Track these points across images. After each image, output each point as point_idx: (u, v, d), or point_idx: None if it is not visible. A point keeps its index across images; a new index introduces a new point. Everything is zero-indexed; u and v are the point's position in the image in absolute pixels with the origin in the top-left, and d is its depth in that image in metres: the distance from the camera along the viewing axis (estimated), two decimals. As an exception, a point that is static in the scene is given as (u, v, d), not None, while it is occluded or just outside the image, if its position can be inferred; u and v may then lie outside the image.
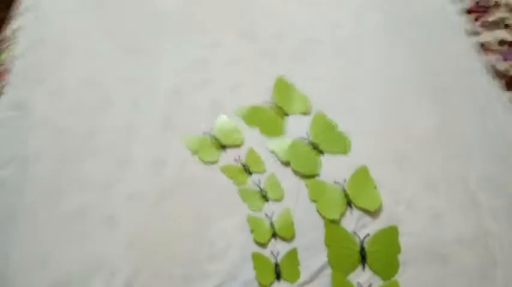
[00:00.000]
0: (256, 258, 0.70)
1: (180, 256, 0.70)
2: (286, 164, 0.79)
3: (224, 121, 0.84)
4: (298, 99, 0.87)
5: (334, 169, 0.78)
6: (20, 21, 0.98)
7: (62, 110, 0.84)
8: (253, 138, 0.82)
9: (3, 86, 0.87)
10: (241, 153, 0.81)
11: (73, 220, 0.72)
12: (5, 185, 0.75)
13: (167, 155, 0.79)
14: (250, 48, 0.93)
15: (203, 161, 0.79)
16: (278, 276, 0.69)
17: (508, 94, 0.88)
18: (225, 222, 0.73)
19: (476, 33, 0.96)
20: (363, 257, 0.71)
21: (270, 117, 0.85)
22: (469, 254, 0.71)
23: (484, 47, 0.93)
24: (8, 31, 0.96)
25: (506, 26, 0.96)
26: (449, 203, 0.75)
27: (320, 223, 0.73)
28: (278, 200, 0.76)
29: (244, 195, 0.76)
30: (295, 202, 0.75)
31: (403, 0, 1.02)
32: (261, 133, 0.83)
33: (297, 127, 0.83)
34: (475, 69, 0.90)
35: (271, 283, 0.69)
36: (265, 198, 0.76)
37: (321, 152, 0.81)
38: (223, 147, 0.81)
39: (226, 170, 0.78)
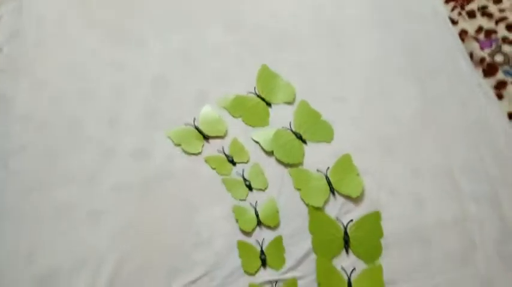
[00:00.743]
0: (242, 246, 0.71)
1: (166, 246, 0.70)
2: (270, 153, 0.80)
3: (208, 112, 0.84)
4: (283, 89, 0.87)
5: (317, 158, 0.79)
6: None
7: (44, 102, 0.82)
8: (236, 128, 0.82)
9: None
10: (225, 144, 0.81)
11: (58, 213, 0.72)
12: (-14, 181, 0.74)
13: (151, 146, 0.79)
14: (234, 38, 0.92)
15: (187, 152, 0.79)
16: (263, 263, 0.70)
17: (488, 82, 0.89)
18: (210, 212, 0.74)
19: (456, 22, 0.97)
20: (346, 243, 0.72)
21: (253, 107, 0.85)
22: (451, 238, 0.73)
23: (463, 35, 0.95)
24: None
25: (485, 15, 0.97)
26: (431, 188, 0.77)
27: (304, 211, 0.74)
28: (262, 189, 0.76)
29: (229, 185, 0.77)
30: (279, 190, 0.76)
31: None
32: (245, 123, 0.83)
33: (281, 117, 0.84)
34: (457, 57, 0.91)
35: (257, 271, 0.70)
36: (249, 187, 0.76)
37: (304, 141, 0.81)
38: (206, 138, 0.81)
39: (210, 161, 0.79)
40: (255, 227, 0.73)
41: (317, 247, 0.71)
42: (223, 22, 0.95)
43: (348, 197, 0.75)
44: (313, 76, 0.89)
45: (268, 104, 0.86)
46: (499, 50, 0.93)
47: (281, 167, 0.79)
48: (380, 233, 0.72)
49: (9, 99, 0.83)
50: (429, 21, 0.96)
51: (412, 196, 0.76)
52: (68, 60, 0.88)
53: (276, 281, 0.69)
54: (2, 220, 0.71)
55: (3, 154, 0.77)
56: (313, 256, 0.71)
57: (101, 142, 0.79)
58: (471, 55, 0.92)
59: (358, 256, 0.71)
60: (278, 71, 0.88)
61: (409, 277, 0.69)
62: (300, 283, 0.69)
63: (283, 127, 0.82)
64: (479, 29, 0.95)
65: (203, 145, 0.81)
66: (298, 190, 0.76)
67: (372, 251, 0.71)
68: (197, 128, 0.82)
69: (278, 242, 0.72)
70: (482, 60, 0.91)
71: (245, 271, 0.69)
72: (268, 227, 0.73)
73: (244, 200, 0.75)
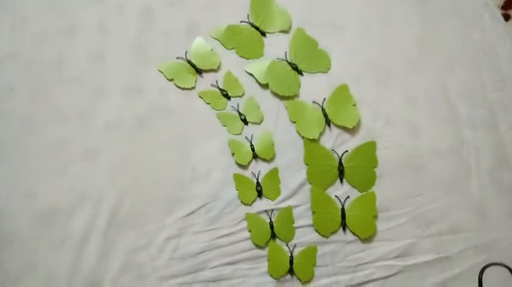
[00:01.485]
0: (238, 179, 0.72)
1: (164, 181, 0.72)
2: (265, 86, 0.78)
3: (200, 44, 0.80)
4: (278, 16, 0.82)
5: (314, 89, 0.78)
6: None
7: (27, 40, 0.79)
8: (230, 61, 0.80)
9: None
10: (219, 77, 0.79)
11: (53, 152, 0.73)
12: (-20, 121, 0.75)
13: (142, 82, 0.78)
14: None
15: (180, 87, 0.78)
16: (259, 194, 0.72)
17: (497, 1, 0.83)
18: (206, 146, 0.74)
19: None
20: (340, 172, 0.73)
21: (247, 37, 0.82)
22: (445, 164, 0.74)
23: None
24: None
25: None
26: (428, 116, 0.76)
27: (300, 143, 0.74)
28: (257, 122, 0.76)
29: (224, 119, 0.76)
30: (275, 123, 0.76)
31: None
32: (239, 55, 0.81)
33: (276, 47, 0.80)
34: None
35: (253, 201, 0.72)
36: (244, 121, 0.76)
37: (300, 72, 0.79)
38: (199, 72, 0.79)
39: (204, 95, 0.77)
40: (251, 160, 0.74)
41: (312, 177, 0.73)
42: None
43: (343, 128, 0.75)
44: (309, 1, 0.83)
45: (263, 34, 0.82)
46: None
47: (276, 100, 0.77)
48: (375, 163, 0.73)
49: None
50: None
51: (408, 125, 0.76)
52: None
53: (272, 210, 0.71)
54: (1, 159, 0.72)
55: (-3, 91, 0.76)
56: (308, 186, 0.72)
57: (89, 80, 0.77)
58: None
59: (353, 184, 0.73)
60: (272, -3, 0.83)
61: (402, 204, 0.71)
62: (295, 210, 0.71)
63: (278, 58, 0.79)
64: None
65: (196, 79, 0.79)
66: (294, 122, 0.76)
67: (366, 180, 0.73)
68: (189, 62, 0.79)
69: (274, 173, 0.73)
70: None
71: (242, 202, 0.71)
72: (264, 160, 0.74)
73: (240, 134, 0.75)
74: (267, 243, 0.70)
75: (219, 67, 0.79)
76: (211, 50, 0.80)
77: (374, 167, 0.73)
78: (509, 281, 0.67)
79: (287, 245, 0.70)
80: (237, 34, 0.82)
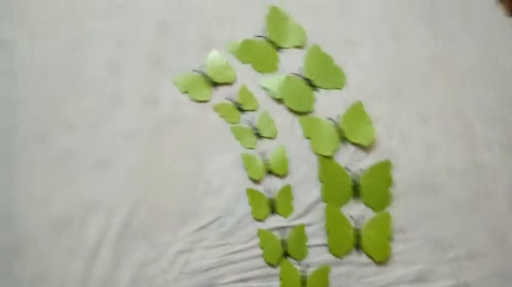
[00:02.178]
0: (251, 194, 0.71)
1: (177, 193, 0.71)
2: (280, 101, 0.77)
3: (215, 57, 0.80)
4: (293, 31, 0.83)
5: (328, 105, 0.77)
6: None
7: (44, 49, 0.79)
8: (245, 75, 0.80)
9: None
10: (233, 91, 0.78)
11: (68, 161, 0.72)
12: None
13: (157, 93, 0.77)
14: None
15: (195, 100, 0.77)
16: (272, 210, 0.71)
17: (510, 20, 0.83)
18: (219, 160, 0.73)
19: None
20: (355, 191, 0.71)
21: (262, 52, 0.82)
22: (461, 185, 0.72)
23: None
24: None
25: None
26: (443, 134, 0.75)
27: (314, 159, 0.73)
28: (271, 137, 0.75)
29: (237, 133, 0.75)
30: (289, 139, 0.75)
31: None
32: (254, 69, 0.80)
33: (291, 62, 0.80)
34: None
35: (266, 217, 0.70)
36: (258, 136, 0.75)
37: (315, 87, 0.79)
38: (214, 85, 0.79)
39: (218, 108, 0.77)
40: (264, 175, 0.73)
41: (326, 195, 0.71)
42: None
43: (359, 146, 0.74)
44: (324, 18, 0.84)
45: (278, 49, 0.82)
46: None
47: (291, 115, 0.77)
48: (390, 182, 0.72)
49: (12, 46, 0.80)
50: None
51: (422, 143, 0.75)
52: (66, 7, 0.84)
53: (285, 228, 0.70)
54: (15, 166, 0.72)
55: (11, 102, 0.76)
56: (322, 204, 0.71)
57: (104, 89, 0.77)
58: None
59: (367, 204, 0.71)
60: (288, 12, 0.83)
61: (418, 226, 0.70)
62: (308, 229, 0.70)
63: (293, 73, 0.79)
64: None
65: (211, 92, 0.78)
66: (308, 138, 0.75)
67: (381, 200, 0.71)
68: (205, 75, 0.79)
69: (287, 190, 0.72)
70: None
71: (254, 218, 0.70)
72: (278, 175, 0.73)
73: (253, 148, 0.75)
74: (279, 261, 0.68)
75: (234, 81, 0.79)
76: (227, 63, 0.80)
77: (389, 187, 0.72)
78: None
79: (299, 264, 0.68)
80: (253, 48, 0.82)
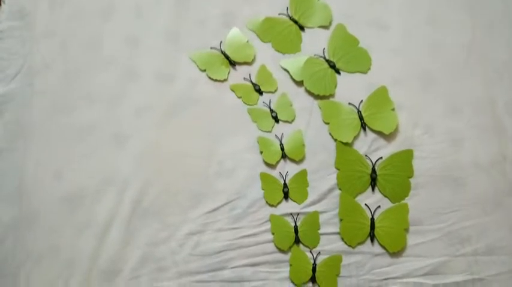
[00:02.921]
0: (265, 178, 0.70)
1: (189, 173, 0.70)
2: (300, 83, 0.75)
3: (235, 35, 0.78)
4: (318, 10, 0.79)
5: (350, 89, 0.74)
6: None
7: (63, 19, 0.79)
8: (265, 54, 0.77)
9: (1, -5, 0.82)
10: (252, 71, 0.76)
11: (83, 134, 0.73)
12: (14, 99, 0.75)
13: (174, 70, 0.76)
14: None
15: (211, 78, 0.75)
16: (286, 196, 0.69)
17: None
18: (234, 142, 0.72)
19: None
20: (373, 180, 0.69)
21: (285, 31, 0.78)
22: (486, 180, 0.69)
23: None
24: None
25: None
26: (471, 127, 0.72)
27: (331, 146, 0.71)
28: (289, 121, 0.73)
29: (254, 115, 0.74)
30: (307, 123, 0.73)
31: None
32: (275, 49, 0.77)
33: (314, 43, 0.77)
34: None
35: (279, 203, 0.69)
36: (275, 119, 0.73)
37: (337, 71, 0.75)
38: (233, 64, 0.77)
39: (236, 89, 0.75)
40: (280, 159, 0.71)
41: (342, 183, 0.69)
42: None
43: (379, 133, 0.71)
44: (352, -4, 0.79)
45: (301, 28, 0.78)
46: None
47: (310, 99, 0.74)
48: (410, 173, 0.69)
49: (31, 15, 0.79)
50: None
51: (449, 135, 0.71)
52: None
53: (298, 214, 0.69)
54: (29, 138, 0.73)
55: (29, 73, 0.76)
56: (337, 192, 0.69)
57: (122, 63, 0.76)
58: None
59: (385, 194, 0.69)
60: (314, -11, 0.80)
61: (436, 219, 0.67)
62: (321, 216, 0.68)
63: (315, 55, 0.76)
64: None
65: (229, 71, 0.76)
66: (327, 123, 0.72)
67: (399, 190, 0.69)
68: (223, 53, 0.77)
69: (302, 175, 0.70)
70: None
71: (267, 202, 0.69)
72: (293, 160, 0.71)
73: (270, 131, 0.73)
74: (290, 248, 0.67)
75: (253, 60, 0.77)
76: (247, 42, 0.77)
77: (409, 177, 0.69)
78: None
79: (311, 251, 0.67)
80: (275, 27, 0.78)
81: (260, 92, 0.75)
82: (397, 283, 0.65)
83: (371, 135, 0.72)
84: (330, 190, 0.69)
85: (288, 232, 0.67)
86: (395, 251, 0.66)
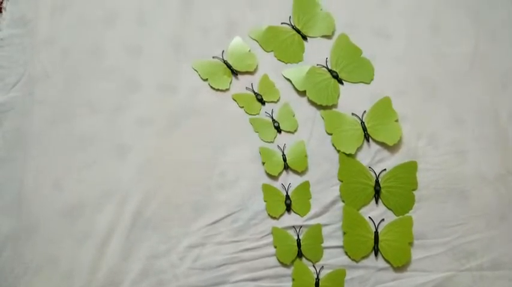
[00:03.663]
0: (267, 190, 0.69)
1: (191, 184, 0.70)
2: (302, 93, 0.74)
3: (238, 44, 0.77)
4: (321, 19, 0.78)
5: (353, 100, 0.74)
6: None
7: (65, 27, 0.78)
8: (268, 64, 0.76)
9: (1, 2, 0.81)
10: (255, 80, 0.75)
11: (83, 144, 0.72)
12: (13, 108, 0.74)
13: (176, 79, 0.75)
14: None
15: (213, 88, 0.75)
16: (288, 208, 0.68)
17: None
18: (236, 152, 0.71)
19: None
20: (377, 192, 0.68)
21: (287, 40, 0.78)
22: (491, 193, 0.69)
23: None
24: None
25: None
26: (475, 139, 0.71)
27: (334, 157, 0.70)
28: (291, 131, 0.72)
29: (256, 125, 0.73)
30: (310, 133, 0.72)
31: None
32: (277, 59, 0.77)
33: (317, 52, 0.77)
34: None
35: (281, 215, 0.68)
36: (277, 129, 0.72)
37: (340, 81, 0.75)
38: (235, 73, 0.76)
39: (238, 98, 0.74)
40: (282, 171, 0.70)
41: (345, 195, 0.68)
42: None
43: (383, 145, 0.70)
44: (356, 7, 0.79)
45: (304, 38, 0.78)
46: None
47: (313, 109, 0.73)
48: (414, 185, 0.68)
49: (32, 23, 0.79)
50: None
51: (453, 146, 0.71)
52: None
53: (300, 227, 0.68)
54: (29, 148, 0.72)
55: (29, 81, 0.75)
56: (340, 204, 0.68)
57: (124, 72, 0.75)
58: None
59: (389, 207, 0.68)
60: (316, -1, 0.79)
61: (441, 233, 0.67)
62: (324, 229, 0.68)
63: (318, 64, 0.75)
64: None
65: (231, 81, 0.75)
66: (330, 134, 0.72)
67: (403, 203, 0.68)
68: (225, 62, 0.76)
69: (305, 187, 0.69)
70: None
71: (269, 215, 0.68)
72: (296, 171, 0.70)
73: (272, 142, 0.72)
74: (292, 261, 0.66)
75: (255, 70, 0.76)
76: (249, 51, 0.77)
77: (413, 190, 0.68)
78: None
79: (314, 266, 0.66)
80: (277, 36, 0.78)
81: (262, 102, 0.74)
82: (402, 298, 0.64)
83: (374, 146, 0.71)
84: (333, 202, 0.68)
85: (290, 245, 0.66)
86: (400, 266, 0.65)
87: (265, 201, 0.68)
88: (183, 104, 0.74)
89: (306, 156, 0.70)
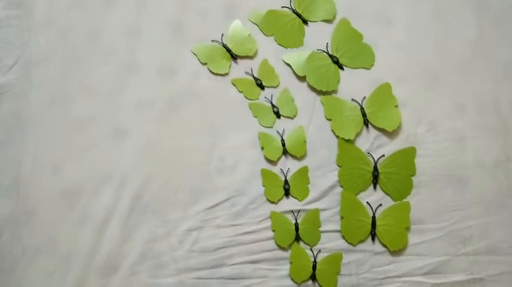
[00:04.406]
0: (266, 174, 0.69)
1: (189, 168, 0.70)
2: (302, 78, 0.74)
3: (237, 28, 0.76)
4: (322, 4, 0.77)
5: (354, 85, 0.73)
6: None
7: (63, 8, 0.77)
8: (267, 48, 0.76)
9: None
10: (254, 65, 0.75)
11: (81, 128, 0.71)
12: (11, 91, 0.73)
13: (175, 63, 0.74)
14: None
15: (213, 72, 0.74)
16: (287, 193, 0.69)
17: None
18: (235, 137, 0.71)
19: None
20: (375, 178, 0.69)
21: (287, 25, 0.77)
22: (489, 180, 0.69)
23: None
24: None
25: None
26: (475, 126, 0.71)
27: (333, 142, 0.70)
28: (291, 117, 0.72)
29: (256, 110, 0.72)
30: (309, 119, 0.72)
31: None
32: (277, 43, 0.76)
33: (318, 37, 0.76)
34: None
35: (279, 200, 0.69)
36: (277, 114, 0.72)
37: (340, 66, 0.74)
38: (234, 57, 0.75)
39: (237, 83, 0.74)
40: (281, 156, 0.70)
41: (344, 180, 0.69)
42: None
43: (382, 131, 0.70)
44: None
45: (305, 22, 0.77)
46: None
47: (313, 94, 0.73)
48: (412, 171, 0.69)
49: (29, 4, 0.77)
50: None
51: (453, 134, 0.71)
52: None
53: (299, 211, 0.68)
54: (27, 130, 0.71)
55: (26, 64, 0.75)
56: (339, 189, 0.69)
57: (123, 55, 0.75)
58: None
59: (387, 192, 0.69)
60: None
61: (438, 218, 0.67)
62: (322, 214, 0.68)
63: (318, 49, 0.75)
64: None
65: (230, 65, 0.75)
66: (329, 119, 0.71)
67: (401, 189, 0.68)
68: (225, 46, 0.75)
69: (303, 172, 0.69)
70: None
71: (267, 199, 0.68)
72: (295, 157, 0.70)
73: (271, 127, 0.72)
74: (290, 245, 0.67)
75: (255, 54, 0.75)
76: (249, 35, 0.76)
77: (411, 176, 0.69)
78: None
79: (311, 249, 0.67)
80: (277, 20, 0.77)
81: (262, 87, 0.74)
82: (397, 282, 0.65)
83: (373, 132, 0.71)
84: (332, 187, 0.69)
85: (288, 229, 0.67)
86: (396, 250, 0.66)
87: (264, 186, 0.69)
88: (182, 88, 0.73)
89: (305, 141, 0.70)
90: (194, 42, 0.75)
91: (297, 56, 0.74)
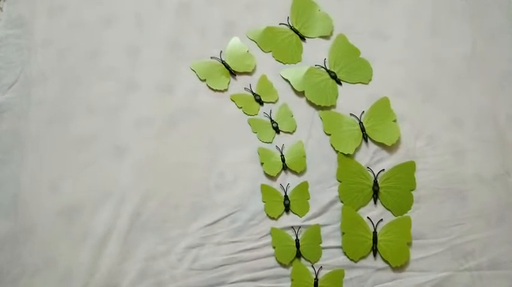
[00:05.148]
0: (266, 190, 0.69)
1: (189, 185, 0.69)
2: (301, 93, 0.74)
3: (236, 45, 0.77)
4: (319, 20, 0.78)
5: (352, 100, 0.74)
6: None
7: (62, 27, 0.78)
8: (266, 64, 0.76)
9: (-2, 3, 0.81)
10: (253, 81, 0.75)
11: (80, 146, 0.71)
12: (10, 109, 0.73)
13: (174, 80, 0.75)
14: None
15: (212, 88, 0.75)
16: (287, 209, 0.68)
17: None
18: (235, 153, 0.71)
19: None
20: (375, 193, 0.68)
21: (285, 41, 0.78)
22: (489, 193, 0.69)
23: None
24: None
25: None
26: (474, 139, 0.71)
27: (333, 157, 0.70)
28: (290, 132, 0.72)
29: (255, 126, 0.73)
30: (308, 134, 0.72)
31: None
32: (275, 59, 0.77)
33: (315, 53, 0.77)
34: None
35: (280, 215, 0.68)
36: (276, 129, 0.72)
37: (338, 81, 0.75)
38: (233, 74, 0.76)
39: (236, 99, 0.74)
40: (280, 171, 0.70)
41: (344, 195, 0.68)
42: None
43: (381, 145, 0.70)
44: (354, 8, 0.79)
45: (302, 38, 0.78)
46: None
47: (311, 109, 0.74)
48: (413, 185, 0.68)
49: (29, 24, 0.78)
50: None
51: (451, 147, 0.71)
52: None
53: (299, 227, 0.68)
54: (26, 149, 0.71)
55: (26, 82, 0.75)
56: (339, 204, 0.68)
57: (122, 73, 0.75)
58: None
59: (387, 207, 0.68)
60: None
61: (440, 233, 0.67)
62: (323, 230, 0.67)
63: (316, 65, 0.75)
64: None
65: (229, 81, 0.75)
66: (329, 134, 0.72)
67: (401, 203, 0.68)
68: (224, 63, 0.76)
69: (303, 188, 0.69)
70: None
71: (267, 215, 0.68)
72: (294, 172, 0.70)
73: (271, 142, 0.72)
74: (291, 262, 0.66)
75: (254, 70, 0.76)
76: (247, 51, 0.77)
77: (411, 190, 0.68)
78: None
79: (312, 266, 0.66)
80: (275, 37, 0.78)
81: (261, 102, 0.74)
82: (400, 299, 0.64)
83: (373, 146, 0.71)
84: (332, 203, 0.68)
85: (289, 245, 0.66)
86: (398, 266, 0.65)
87: (263, 201, 0.68)
88: (181, 104, 0.74)
89: (304, 156, 0.70)
90: (193, 59, 0.76)
91: (295, 72, 0.75)
